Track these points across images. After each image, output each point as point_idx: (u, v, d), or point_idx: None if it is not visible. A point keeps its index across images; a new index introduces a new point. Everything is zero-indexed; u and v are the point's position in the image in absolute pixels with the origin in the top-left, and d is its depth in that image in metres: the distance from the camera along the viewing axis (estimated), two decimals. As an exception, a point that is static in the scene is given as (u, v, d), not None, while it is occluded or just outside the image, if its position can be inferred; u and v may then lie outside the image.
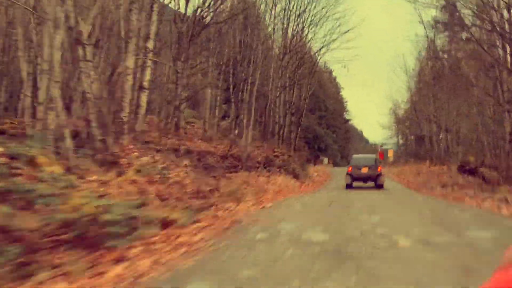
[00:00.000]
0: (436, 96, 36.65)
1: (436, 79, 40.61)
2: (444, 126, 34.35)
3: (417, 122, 38.91)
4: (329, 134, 53.35)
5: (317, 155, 47.54)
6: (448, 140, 32.82)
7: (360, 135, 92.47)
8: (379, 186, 17.43)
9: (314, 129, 50.66)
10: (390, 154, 36.36)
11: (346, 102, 70.93)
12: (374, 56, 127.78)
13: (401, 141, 62.81)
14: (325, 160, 44.20)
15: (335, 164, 46.81)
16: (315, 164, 39.16)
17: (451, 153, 29.92)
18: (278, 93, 24.75)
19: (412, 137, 55.41)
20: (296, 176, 16.24)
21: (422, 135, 44.99)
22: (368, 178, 17.63)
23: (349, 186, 17.88)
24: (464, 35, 30.42)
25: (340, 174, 25.39)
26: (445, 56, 41.76)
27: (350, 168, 18.09)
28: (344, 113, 71.48)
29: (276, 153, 17.19)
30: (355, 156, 21.14)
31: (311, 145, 51.36)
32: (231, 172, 13.60)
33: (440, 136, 34.17)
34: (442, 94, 35.88)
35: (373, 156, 20.94)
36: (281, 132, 24.12)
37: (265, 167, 15.61)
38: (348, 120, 71.33)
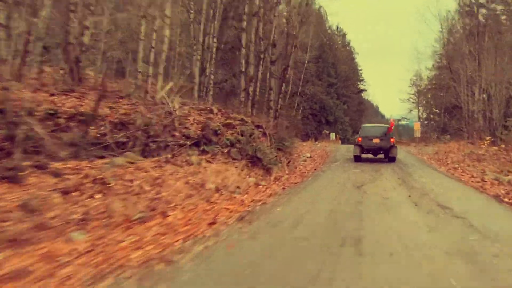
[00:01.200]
0: (473, 54, 28.39)
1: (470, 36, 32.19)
2: (486, 92, 26.28)
3: (452, 87, 30.46)
4: (339, 106, 45.19)
5: (321, 130, 39.71)
6: (493, 110, 24.87)
7: (375, 110, 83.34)
8: (391, 159, 15.94)
9: (320, 98, 42.58)
10: (417, 127, 28.07)
11: (360, 70, 61.98)
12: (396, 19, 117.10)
13: (423, 116, 54.21)
14: (332, 135, 36.36)
15: (344, 141, 38.93)
16: (316, 140, 31.58)
17: (498, 126, 22.16)
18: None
19: (437, 110, 46.76)
20: (259, 165, 8.85)
21: (453, 106, 36.66)
22: (380, 150, 16.19)
23: (357, 159, 16.34)
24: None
25: (345, 156, 17.94)
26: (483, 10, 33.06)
27: (359, 139, 16.23)
28: (358, 82, 62.72)
29: (229, 121, 9.71)
30: (365, 125, 18.67)
31: (317, 118, 43.49)
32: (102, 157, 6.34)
33: (481, 106, 26.08)
34: (482, 51, 27.68)
35: (386, 126, 18.12)
36: (251, 90, 16.06)
37: (198, 146, 8.27)
38: (362, 90, 62.54)
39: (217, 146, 9.02)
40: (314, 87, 41.49)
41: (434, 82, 44.70)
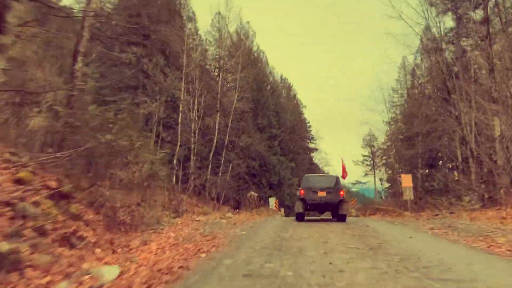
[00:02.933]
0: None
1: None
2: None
3: (441, 132, 21.68)
4: (284, 163, 35.32)
5: (263, 195, 29.07)
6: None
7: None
8: (341, 218, 13.20)
9: (260, 154, 32.54)
10: (407, 181, 16.68)
11: (309, 125, 53.93)
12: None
13: (386, 176, 45.87)
14: (272, 201, 25.74)
15: (288, 210, 28.25)
16: (237, 208, 21.17)
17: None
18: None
19: (405, 166, 38.39)
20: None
21: (433, 158, 28.14)
22: (326, 206, 13.59)
23: (300, 218, 13.48)
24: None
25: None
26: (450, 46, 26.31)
27: (302, 191, 13.24)
28: (308, 141, 54.29)
29: None
30: (308, 176, 14.71)
31: (258, 179, 33.00)
32: None
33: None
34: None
35: (333, 176, 14.87)
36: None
37: None
38: (312, 150, 54.00)
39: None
40: (250, 139, 31.58)
41: (399, 135, 36.96)
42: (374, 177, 74.96)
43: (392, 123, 38.48)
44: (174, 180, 24.25)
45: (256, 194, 22.10)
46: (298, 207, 13.35)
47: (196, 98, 26.47)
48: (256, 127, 33.73)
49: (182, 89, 25.04)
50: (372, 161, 75.54)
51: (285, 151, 37.10)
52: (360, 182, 75.24)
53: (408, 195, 15.24)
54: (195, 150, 26.52)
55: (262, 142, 32.24)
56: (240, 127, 30.98)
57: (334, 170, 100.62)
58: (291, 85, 52.14)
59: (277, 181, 33.71)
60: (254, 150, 32.58)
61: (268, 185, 33.42)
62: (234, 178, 30.96)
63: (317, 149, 53.85)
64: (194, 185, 25.64)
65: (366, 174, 75.01)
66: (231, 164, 28.35)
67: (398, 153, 36.53)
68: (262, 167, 32.96)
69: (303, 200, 13.22)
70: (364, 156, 76.49)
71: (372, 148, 77.14)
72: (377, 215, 16.12)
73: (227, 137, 27.75)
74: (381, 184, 47.54)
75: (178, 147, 24.51)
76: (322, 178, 14.74)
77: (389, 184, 45.16)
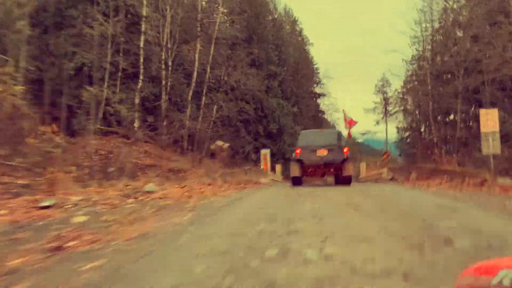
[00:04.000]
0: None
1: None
2: None
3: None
4: (285, 108, 29.09)
5: (259, 146, 23.44)
6: None
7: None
8: (345, 180, 11.69)
9: (256, 96, 26.35)
10: (491, 122, 9.69)
11: (316, 66, 46.80)
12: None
13: (404, 124, 39.62)
14: (264, 156, 19.97)
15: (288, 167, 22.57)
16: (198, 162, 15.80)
17: None
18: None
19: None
20: None
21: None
22: (328, 167, 11.91)
23: (297, 182, 12.03)
24: None
25: None
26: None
27: (298, 150, 11.78)
28: (314, 84, 47.50)
29: None
30: (305, 132, 13.54)
31: (253, 127, 27.12)
32: None
33: None
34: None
35: (335, 131, 14.26)
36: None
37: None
38: (319, 95, 47.33)
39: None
40: (243, 77, 25.23)
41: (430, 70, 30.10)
42: (386, 127, 68.89)
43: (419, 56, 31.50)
44: (136, 126, 18.40)
45: (227, 145, 16.29)
46: (294, 170, 11.88)
47: (168, 18, 19.87)
48: (251, 62, 27.19)
49: (144, 1, 18.36)
50: (384, 109, 69.23)
51: (286, 93, 30.72)
52: (371, 132, 69.48)
53: (492, 146, 8.87)
54: (168, 87, 20.41)
55: (258, 81, 25.86)
56: (228, 60, 24.52)
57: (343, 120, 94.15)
58: (296, 19, 44.40)
59: (276, 130, 27.75)
60: (248, 91, 26.33)
61: (266, 135, 27.55)
62: (223, 125, 25.09)
63: (325, 95, 47.23)
64: (167, 134, 19.82)
65: (377, 123, 68.95)
66: (215, 107, 22.29)
67: (427, 93, 29.90)
68: (258, 112, 26.88)
69: (299, 161, 11.78)
70: (376, 103, 70.01)
71: (385, 95, 70.56)
72: (434, 180, 10.06)
73: (208, 71, 21.43)
74: (397, 132, 41.43)
75: (140, 81, 18.36)
76: (322, 134, 13.05)
77: (408, 133, 39.11)
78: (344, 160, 11.61)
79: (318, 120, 47.34)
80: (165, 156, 19.04)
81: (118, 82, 18.86)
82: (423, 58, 33.99)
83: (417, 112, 30.84)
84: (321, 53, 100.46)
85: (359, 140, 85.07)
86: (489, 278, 0.70)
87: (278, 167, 20.07)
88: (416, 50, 38.30)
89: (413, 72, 33.66)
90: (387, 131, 68.70)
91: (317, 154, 11.57)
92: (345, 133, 33.07)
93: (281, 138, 27.97)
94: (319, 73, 48.34)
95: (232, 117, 25.78)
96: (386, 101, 69.19)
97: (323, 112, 49.91)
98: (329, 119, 51.21)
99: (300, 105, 32.85)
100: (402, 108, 46.91)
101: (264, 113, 27.12)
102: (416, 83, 32.78)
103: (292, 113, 30.05)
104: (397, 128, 43.58)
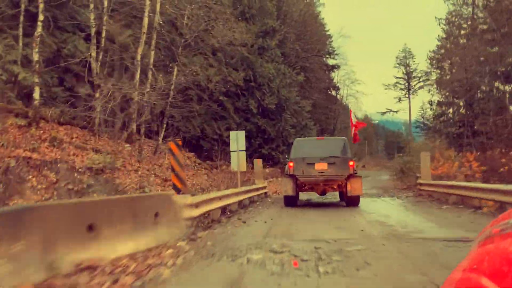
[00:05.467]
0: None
1: None
2: None
3: None
4: (287, 76, 21.66)
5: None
6: None
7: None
8: (351, 201, 9.90)
9: (245, 58, 19.08)
10: None
11: (329, 33, 38.72)
12: None
13: (434, 99, 31.67)
14: (236, 144, 12.19)
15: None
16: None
17: None
18: None
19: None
20: None
21: None
22: (329, 185, 10.34)
23: (290, 203, 10.25)
24: None
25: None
26: None
27: (291, 164, 9.94)
28: (326, 55, 39.62)
29: None
30: (300, 140, 11.29)
31: (241, 102, 20.07)
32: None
33: None
34: None
35: (338, 139, 11.30)
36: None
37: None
38: (332, 67, 39.42)
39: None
40: (229, 33, 17.92)
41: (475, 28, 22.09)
42: (409, 104, 60.37)
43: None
44: (36, 98, 11.39)
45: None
46: (287, 188, 9.95)
47: None
48: (240, 14, 19.80)
49: None
50: (407, 84, 60.58)
51: (289, 58, 23.25)
52: (391, 111, 61.05)
53: None
54: (102, 39, 13.31)
55: (248, 37, 18.48)
56: (207, 10, 17.24)
57: (361, 99, 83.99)
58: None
59: (275, 106, 20.47)
60: (235, 53, 19.07)
61: (260, 112, 20.33)
62: (200, 99, 18.02)
63: (339, 66, 39.47)
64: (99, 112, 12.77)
65: (399, 100, 60.43)
66: (175, 69, 15.12)
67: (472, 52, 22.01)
68: (249, 82, 19.64)
69: (293, 177, 9.75)
70: (397, 78, 61.41)
71: (408, 68, 61.76)
72: None
73: (157, 12, 14.15)
74: (430, 108, 33.47)
75: (39, 24, 11.23)
76: (322, 142, 10.65)
77: (443, 108, 31.16)
78: (350, 176, 9.72)
79: (331, 98, 39.81)
80: (91, 146, 12.07)
81: (21, 31, 11.89)
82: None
83: (465, 78, 23.03)
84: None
85: (375, 122, 76.83)
86: None
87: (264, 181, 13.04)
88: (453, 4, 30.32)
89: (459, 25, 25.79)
90: (410, 109, 60.39)
91: (315, 168, 9.72)
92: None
93: (282, 117, 20.70)
94: (332, 41, 40.47)
95: (215, 90, 18.68)
96: (408, 75, 61.07)
97: (337, 88, 42.25)
98: (344, 95, 43.46)
99: (307, 74, 25.33)
100: (437, 76, 38.71)
101: (258, 82, 19.84)
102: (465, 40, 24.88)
103: (298, 83, 22.65)
104: (430, 102, 35.53)
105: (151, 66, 13.37)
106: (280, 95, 20.54)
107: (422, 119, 71.29)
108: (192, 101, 17.52)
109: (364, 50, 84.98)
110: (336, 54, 41.00)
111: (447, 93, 30.63)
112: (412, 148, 20.95)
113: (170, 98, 14.19)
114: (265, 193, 13.32)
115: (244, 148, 10.79)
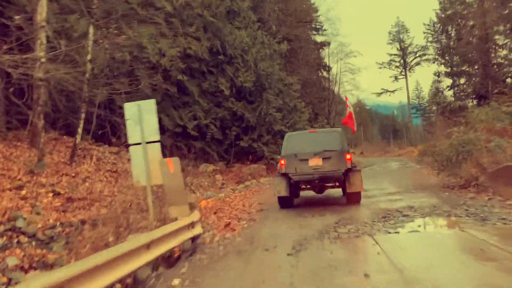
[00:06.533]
0: None
1: None
2: None
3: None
4: (267, 45, 17.05)
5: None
6: None
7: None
8: (352, 199, 9.11)
9: (208, 22, 14.32)
10: None
11: (315, 6, 33.99)
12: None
13: (439, 74, 27.14)
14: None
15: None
16: None
17: None
18: None
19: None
20: None
21: None
22: (327, 181, 9.48)
23: (285, 203, 9.48)
24: None
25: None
26: None
27: (283, 161, 9.14)
28: (314, 32, 34.94)
29: None
30: (292, 134, 10.34)
31: (206, 80, 15.33)
32: None
33: None
34: None
35: (333, 130, 10.25)
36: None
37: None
38: (321, 45, 34.78)
39: None
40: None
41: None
42: (406, 81, 55.83)
43: None
44: None
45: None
46: (279, 188, 9.15)
47: None
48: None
49: None
50: (402, 61, 56.03)
51: (268, 23, 18.53)
52: (388, 91, 56.48)
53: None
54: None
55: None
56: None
57: (356, 80, 79.06)
58: None
59: (253, 84, 15.81)
60: (194, 16, 14.43)
61: (235, 93, 15.68)
62: (155, 86, 13.42)
63: (329, 43, 34.77)
64: None
65: (396, 79, 55.94)
66: (91, 28, 10.36)
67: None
68: (216, 55, 14.97)
69: (285, 175, 8.93)
70: (392, 55, 56.88)
71: (402, 44, 57.14)
72: None
73: None
74: (438, 80, 28.99)
75: None
76: (315, 135, 9.52)
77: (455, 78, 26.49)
78: (348, 171, 8.65)
79: (319, 80, 35.25)
80: None
81: None
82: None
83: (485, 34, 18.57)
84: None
85: (367, 107, 72.46)
86: None
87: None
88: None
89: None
90: (407, 86, 55.78)
91: (309, 165, 8.73)
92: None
93: (263, 98, 16.05)
94: (319, 16, 35.82)
95: (171, 67, 14.07)
96: (404, 51, 56.52)
97: (329, 68, 37.59)
98: (338, 71, 38.81)
99: (293, 44, 20.61)
100: (440, 46, 34.14)
101: (228, 55, 15.17)
102: None
103: (280, 54, 17.99)
104: (437, 73, 31.04)
105: (43, 24, 8.61)
106: (259, 70, 15.90)
107: (418, 99, 66.27)
108: (136, 81, 12.85)
109: (355, 29, 79.95)
110: (325, 30, 36.42)
111: (458, 60, 26.20)
112: (474, 119, 12.63)
113: (86, 74, 9.46)
114: (197, 236, 6.08)
115: (158, 137, 5.70)
